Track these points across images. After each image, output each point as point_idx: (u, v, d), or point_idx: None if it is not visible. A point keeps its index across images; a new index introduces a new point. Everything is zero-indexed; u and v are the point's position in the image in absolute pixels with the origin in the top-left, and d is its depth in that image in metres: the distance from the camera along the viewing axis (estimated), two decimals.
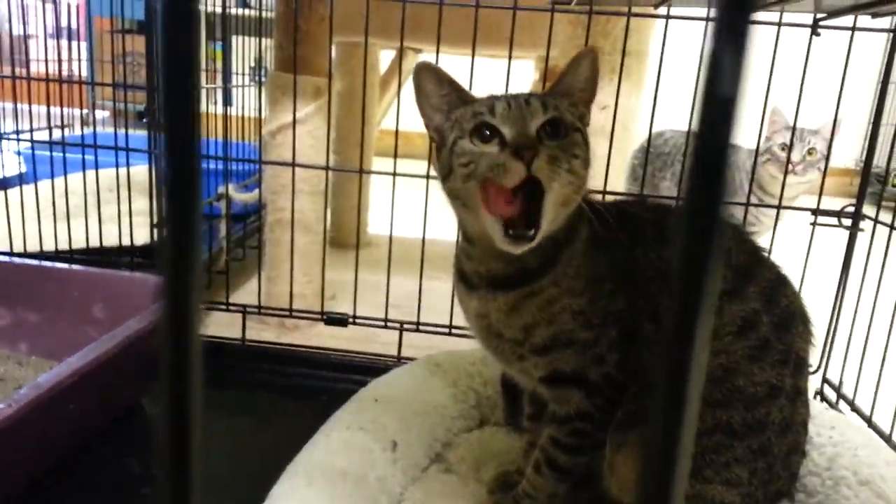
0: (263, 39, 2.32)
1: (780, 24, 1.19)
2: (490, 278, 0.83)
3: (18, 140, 1.74)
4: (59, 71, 1.85)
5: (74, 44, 2.35)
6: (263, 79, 2.12)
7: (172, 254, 0.21)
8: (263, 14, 2.14)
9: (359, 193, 1.59)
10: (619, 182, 1.43)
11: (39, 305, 1.32)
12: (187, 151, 0.21)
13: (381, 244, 1.95)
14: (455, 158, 0.77)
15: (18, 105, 1.71)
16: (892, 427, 1.08)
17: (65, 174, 1.73)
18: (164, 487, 0.23)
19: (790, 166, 1.67)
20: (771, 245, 1.16)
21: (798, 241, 1.27)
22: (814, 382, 1.27)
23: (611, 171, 1.28)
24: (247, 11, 2.49)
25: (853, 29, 1.15)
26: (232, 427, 1.19)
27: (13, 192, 1.84)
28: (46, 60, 2.06)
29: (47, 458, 1.02)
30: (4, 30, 2.14)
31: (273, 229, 1.50)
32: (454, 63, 1.36)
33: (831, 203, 1.30)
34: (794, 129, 1.37)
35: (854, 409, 1.20)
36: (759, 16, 1.19)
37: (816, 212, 1.26)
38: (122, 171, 1.68)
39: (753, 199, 1.83)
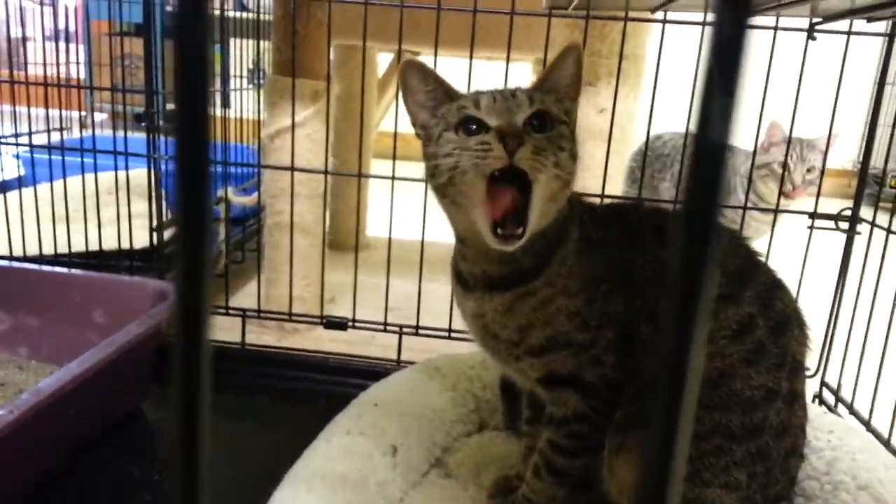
0: (261, 42, 2.32)
1: (776, 28, 1.20)
2: (485, 279, 0.84)
3: (17, 144, 1.74)
4: (58, 74, 1.85)
5: (72, 46, 2.35)
6: (261, 81, 2.12)
7: (184, 258, 0.22)
8: (261, 17, 2.15)
9: (357, 196, 1.60)
10: (618, 185, 1.43)
11: (39, 310, 1.33)
12: (198, 159, 0.22)
13: (379, 246, 1.96)
14: (440, 150, 0.76)
15: (17, 108, 1.71)
16: (891, 431, 1.08)
17: (64, 178, 1.73)
18: (174, 485, 0.23)
19: (791, 188, 1.69)
20: (768, 249, 1.17)
21: (796, 245, 1.27)
22: (812, 386, 1.27)
23: (609, 173, 1.28)
24: (245, 14, 2.49)
25: (849, 33, 1.16)
26: (232, 431, 1.19)
27: (12, 196, 1.84)
28: (45, 63, 2.07)
29: (48, 464, 1.02)
30: (2, 33, 2.14)
31: (272, 232, 1.51)
32: (452, 65, 1.37)
33: (829, 204, 1.30)
34: (790, 139, 1.38)
35: (852, 412, 1.20)
36: (756, 20, 1.20)
37: (814, 215, 1.26)
38: (122, 174, 1.68)
39: (749, 205, 1.84)
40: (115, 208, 1.58)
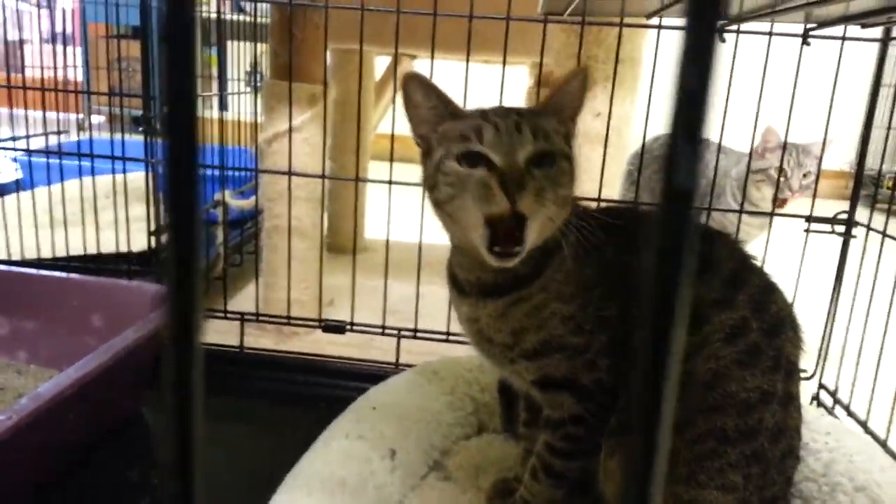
0: (259, 44, 2.32)
1: (770, 34, 1.20)
2: (480, 285, 0.85)
3: (15, 149, 1.74)
4: (55, 77, 1.85)
5: (70, 49, 2.35)
6: (259, 83, 2.13)
7: (175, 263, 0.22)
8: (258, 19, 2.15)
9: (355, 200, 1.60)
10: (615, 188, 1.43)
11: (38, 314, 1.33)
12: (188, 163, 0.22)
13: (378, 249, 1.96)
14: (441, 177, 0.78)
15: (14, 111, 1.71)
16: (888, 432, 1.09)
17: (62, 181, 1.73)
18: (168, 490, 0.24)
19: (789, 194, 1.70)
20: (765, 252, 1.18)
21: (791, 247, 1.28)
22: (810, 388, 1.28)
23: (605, 177, 1.29)
24: (242, 17, 2.50)
25: (843, 38, 1.17)
26: (230, 435, 1.20)
27: (10, 200, 1.85)
28: (42, 67, 2.07)
29: (47, 469, 1.03)
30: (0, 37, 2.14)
31: (270, 236, 1.51)
32: (449, 69, 1.38)
33: (826, 206, 1.31)
34: (785, 144, 1.38)
35: (850, 413, 1.21)
36: (751, 26, 1.20)
37: (810, 219, 1.27)
38: (119, 177, 1.69)
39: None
40: (113, 212, 1.58)
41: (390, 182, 1.33)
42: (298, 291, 1.49)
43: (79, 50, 2.98)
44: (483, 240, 0.75)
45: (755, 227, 1.73)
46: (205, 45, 3.76)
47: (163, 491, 1.03)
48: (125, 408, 1.22)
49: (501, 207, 0.72)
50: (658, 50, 1.22)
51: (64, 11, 2.69)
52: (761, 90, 1.20)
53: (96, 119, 3.32)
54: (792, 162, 1.69)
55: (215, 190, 1.73)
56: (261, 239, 1.54)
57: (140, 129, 1.57)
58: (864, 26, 1.10)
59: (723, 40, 1.20)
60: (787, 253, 1.28)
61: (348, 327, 1.43)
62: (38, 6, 2.42)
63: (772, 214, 1.32)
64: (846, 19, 1.05)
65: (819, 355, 1.29)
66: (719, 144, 1.85)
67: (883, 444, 1.08)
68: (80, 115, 2.62)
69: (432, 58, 1.28)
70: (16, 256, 1.59)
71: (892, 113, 1.17)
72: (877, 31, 1.20)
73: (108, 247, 1.66)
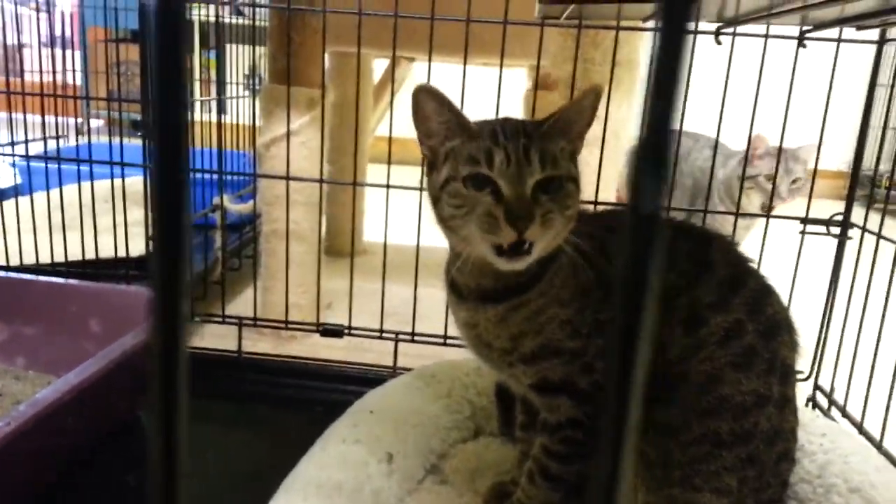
0: (257, 48, 2.33)
1: (766, 36, 1.21)
2: (478, 291, 0.85)
3: (14, 154, 1.74)
4: (54, 81, 1.85)
5: (69, 53, 2.36)
6: (258, 87, 2.13)
7: (162, 268, 0.23)
8: (257, 23, 2.16)
9: (353, 203, 1.60)
10: (612, 190, 1.44)
11: (36, 320, 1.33)
12: (176, 167, 0.23)
13: (376, 252, 1.96)
14: (447, 197, 0.78)
15: (13, 115, 1.71)
16: (883, 433, 1.09)
17: (60, 186, 1.74)
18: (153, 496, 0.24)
19: (779, 201, 1.71)
20: (760, 254, 1.18)
21: (787, 249, 1.28)
22: (805, 389, 1.28)
23: (602, 179, 1.29)
24: (241, 20, 2.50)
25: (839, 40, 1.17)
26: (228, 439, 1.20)
27: (9, 205, 1.85)
28: (41, 71, 2.07)
29: (45, 474, 1.03)
30: None
31: (268, 240, 1.51)
32: (447, 71, 1.38)
33: (823, 206, 1.31)
34: (780, 149, 1.39)
35: (845, 415, 1.21)
36: (747, 28, 1.21)
37: (805, 220, 1.27)
38: (118, 182, 1.69)
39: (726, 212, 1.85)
40: (111, 216, 1.59)
41: (388, 186, 1.33)
42: (296, 295, 1.49)
43: (78, 54, 2.98)
44: (489, 252, 0.76)
45: (743, 228, 1.74)
46: (203, 48, 3.77)
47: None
48: (123, 412, 1.22)
49: (507, 239, 0.74)
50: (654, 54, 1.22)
51: (63, 15, 2.69)
52: (757, 91, 1.20)
53: (95, 123, 3.32)
54: (781, 169, 1.70)
55: (213, 194, 1.73)
56: (259, 243, 1.54)
57: (139, 133, 1.57)
58: (859, 28, 1.11)
59: (718, 42, 1.21)
60: (783, 254, 1.28)
61: (346, 331, 1.43)
62: (38, 10, 2.42)
63: (767, 216, 1.32)
64: (842, 21, 1.05)
65: (815, 357, 1.29)
66: (716, 143, 1.85)
67: (878, 445, 1.08)
68: (79, 120, 2.63)
69: (430, 60, 1.28)
70: (14, 262, 1.60)
71: (886, 113, 1.18)
72: (872, 33, 1.20)
73: (106, 252, 1.66)
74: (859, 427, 1.15)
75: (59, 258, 1.63)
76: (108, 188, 1.73)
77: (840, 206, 1.31)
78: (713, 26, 1.21)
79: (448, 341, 1.37)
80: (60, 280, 1.37)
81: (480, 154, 0.77)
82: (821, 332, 1.29)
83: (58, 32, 2.27)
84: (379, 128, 2.36)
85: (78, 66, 2.68)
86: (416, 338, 1.41)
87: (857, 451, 0.96)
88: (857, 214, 1.29)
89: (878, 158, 1.49)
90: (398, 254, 1.40)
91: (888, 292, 1.10)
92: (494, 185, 0.75)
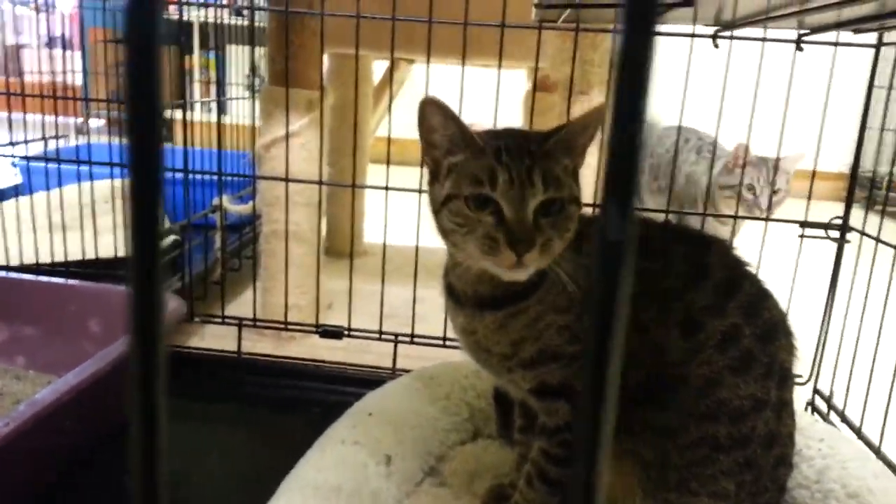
0: (257, 48, 2.33)
1: (764, 40, 1.21)
2: (476, 298, 0.85)
3: (13, 156, 1.75)
4: (54, 82, 1.86)
5: (69, 53, 2.36)
6: (258, 87, 2.13)
7: (137, 268, 0.23)
8: (256, 24, 2.16)
9: (352, 205, 1.61)
10: None
11: (36, 320, 1.33)
12: (151, 165, 0.23)
13: (376, 253, 1.96)
14: (449, 214, 0.78)
15: (13, 114, 1.71)
16: (881, 439, 1.09)
17: (60, 186, 1.74)
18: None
19: (758, 211, 1.70)
20: (759, 258, 1.18)
21: (786, 252, 1.28)
22: (804, 394, 1.28)
23: (602, 182, 1.29)
24: (240, 20, 2.50)
25: (836, 44, 1.17)
26: (227, 440, 1.20)
27: (9, 204, 1.85)
28: (41, 72, 2.07)
29: (44, 475, 1.03)
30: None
31: (268, 241, 1.51)
32: (446, 72, 1.38)
33: (822, 208, 1.31)
34: (778, 158, 1.39)
35: (844, 420, 1.21)
36: (745, 31, 1.21)
37: (804, 224, 1.28)
38: (118, 182, 1.69)
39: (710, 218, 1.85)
40: (111, 216, 1.59)
41: (386, 188, 1.34)
42: (296, 296, 1.49)
43: (78, 55, 2.99)
44: (490, 264, 0.77)
45: (723, 230, 1.72)
46: (203, 49, 3.77)
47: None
48: (121, 413, 1.22)
49: (507, 262, 0.74)
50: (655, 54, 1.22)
51: (63, 16, 2.69)
52: (755, 94, 1.20)
53: (95, 123, 3.33)
54: (762, 180, 1.68)
55: (213, 195, 1.73)
56: (259, 244, 1.54)
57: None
58: (856, 32, 1.11)
59: (716, 45, 1.21)
60: (782, 257, 1.28)
61: (345, 333, 1.43)
62: (37, 10, 2.42)
63: (766, 220, 1.32)
64: (839, 25, 1.06)
65: (814, 361, 1.29)
66: (714, 146, 1.85)
67: (876, 450, 1.08)
68: (80, 119, 2.63)
69: (428, 62, 1.28)
70: (14, 262, 1.60)
71: (884, 115, 1.18)
72: (870, 37, 1.20)
73: (106, 252, 1.66)
74: (858, 432, 1.16)
75: (60, 258, 1.63)
76: (109, 188, 1.74)
77: (839, 208, 1.31)
78: (711, 29, 1.21)
79: (447, 343, 1.37)
80: (60, 280, 1.37)
81: (484, 174, 0.76)
82: (820, 335, 1.29)
83: (57, 33, 2.27)
84: (378, 129, 2.36)
85: (78, 67, 2.68)
86: (415, 339, 1.41)
87: (856, 457, 0.96)
88: (857, 216, 1.29)
89: (877, 160, 1.49)
90: (398, 255, 1.40)
91: (887, 296, 1.10)
92: (496, 206, 0.76)
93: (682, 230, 0.95)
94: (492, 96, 1.25)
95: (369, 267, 1.53)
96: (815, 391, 1.30)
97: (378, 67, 2.31)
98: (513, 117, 1.83)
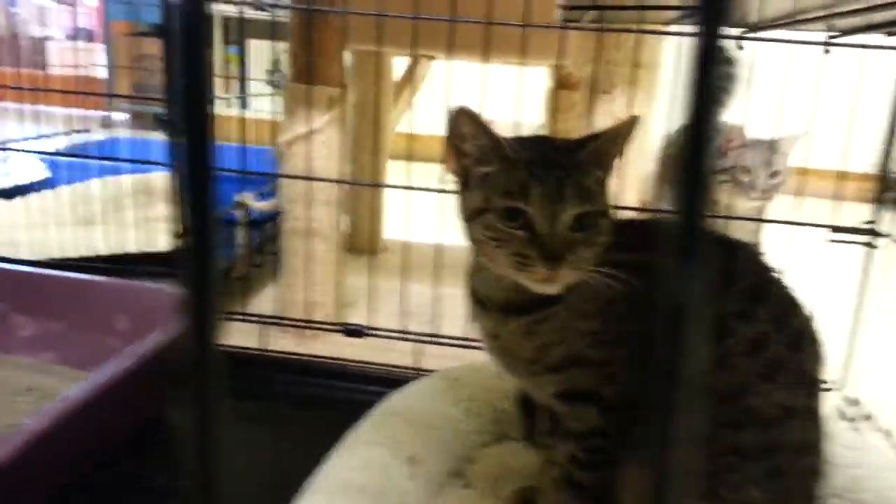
0: (279, 43, 2.33)
1: (790, 42, 1.19)
2: (502, 303, 0.85)
3: (41, 152, 1.77)
4: (79, 76, 1.87)
5: (93, 46, 2.38)
6: (279, 82, 2.14)
7: (193, 265, 0.23)
8: (278, 18, 2.16)
9: (373, 203, 1.61)
10: (633, 194, 1.43)
11: (64, 316, 1.35)
12: (203, 166, 0.23)
13: (397, 250, 1.97)
14: (480, 227, 0.78)
15: (39, 107, 1.73)
16: None
17: (86, 179, 1.76)
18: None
19: (755, 196, 1.60)
20: (786, 263, 1.17)
21: (814, 256, 1.27)
22: (834, 400, 1.27)
23: (624, 182, 1.29)
24: (263, 15, 2.50)
25: (865, 46, 1.15)
26: (250, 438, 1.21)
27: (36, 198, 1.87)
28: (65, 65, 2.10)
29: (74, 472, 1.05)
30: (25, 33, 2.17)
31: (290, 237, 1.52)
32: (467, 69, 1.38)
33: (851, 209, 1.29)
34: (775, 139, 1.36)
35: (874, 426, 1.20)
36: (772, 34, 1.20)
37: (832, 228, 1.26)
38: (143, 177, 1.71)
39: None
40: (136, 210, 1.61)
41: (409, 188, 1.34)
42: (317, 294, 1.50)
43: (101, 47, 3.00)
44: (521, 279, 0.77)
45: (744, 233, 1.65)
46: (226, 44, 3.77)
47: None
48: (149, 409, 1.24)
49: (539, 277, 0.74)
50: (678, 56, 1.22)
51: (87, 9, 2.71)
52: (782, 96, 1.19)
53: (119, 116, 3.35)
54: (759, 161, 1.58)
55: (236, 191, 1.74)
56: (280, 240, 1.55)
57: (162, 130, 1.59)
58: (889, 34, 1.09)
59: (741, 48, 1.20)
60: (810, 261, 1.27)
61: (367, 331, 1.44)
62: (62, 3, 2.45)
63: (792, 223, 1.30)
64: (869, 28, 1.04)
65: (843, 367, 1.28)
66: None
67: None
68: (103, 113, 2.66)
69: (450, 60, 1.28)
70: (42, 256, 1.62)
71: None
72: None
73: (131, 246, 1.68)
74: (889, 438, 1.14)
75: (85, 253, 1.65)
76: (134, 183, 1.76)
77: (865, 209, 1.30)
78: (736, 31, 1.20)
79: (470, 343, 1.38)
80: (87, 276, 1.38)
81: (516, 186, 0.76)
82: (850, 341, 1.28)
83: (81, 25, 2.29)
84: (399, 125, 2.36)
85: (102, 60, 2.70)
86: (438, 339, 1.41)
87: (889, 466, 0.95)
88: (884, 218, 1.27)
89: None
90: (418, 252, 1.40)
91: None
92: (528, 220, 0.75)
93: (708, 234, 0.94)
94: (512, 93, 1.25)
95: (389, 264, 1.54)
96: (845, 398, 1.29)
97: (398, 64, 2.31)
98: (534, 115, 1.83)
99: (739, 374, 0.80)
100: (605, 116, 1.35)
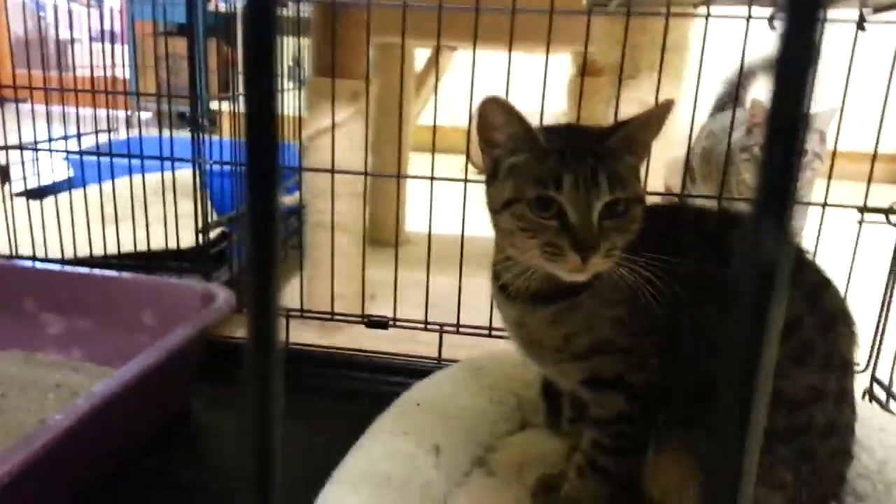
0: (301, 39, 2.33)
1: (824, 20, 1.16)
2: (529, 293, 0.84)
3: (65, 151, 1.78)
4: (104, 76, 1.89)
5: (117, 47, 2.40)
6: (302, 78, 2.14)
7: (256, 264, 0.23)
8: (300, 14, 2.16)
9: (397, 193, 1.60)
10: (660, 178, 1.41)
11: (91, 313, 1.36)
12: (270, 162, 0.23)
13: (420, 242, 1.96)
14: (510, 218, 0.78)
15: (65, 108, 1.75)
16: None
17: (112, 178, 1.78)
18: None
19: None
20: (816, 244, 1.15)
21: (844, 237, 1.24)
22: (863, 382, 1.25)
23: (651, 167, 1.27)
24: (285, 11, 2.51)
25: None
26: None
27: (63, 198, 1.90)
28: (91, 66, 2.11)
29: (102, 468, 1.05)
30: (51, 35, 2.20)
31: (313, 231, 1.52)
32: (490, 58, 1.36)
33: (881, 191, 1.26)
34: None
35: None
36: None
37: (863, 209, 1.24)
38: (168, 175, 1.72)
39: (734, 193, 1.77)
40: (161, 208, 1.62)
41: (431, 178, 1.33)
42: (341, 286, 1.50)
43: (126, 48, 3.04)
44: (552, 268, 0.76)
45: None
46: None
47: (215, 487, 1.05)
48: (175, 404, 1.25)
49: (571, 267, 0.74)
50: (706, 39, 1.20)
51: (112, 10, 2.74)
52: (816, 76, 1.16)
53: (144, 115, 3.39)
54: None
55: None
56: (304, 234, 1.55)
57: (188, 128, 1.59)
58: None
59: (772, 27, 1.17)
60: (840, 243, 1.24)
61: (391, 322, 1.44)
62: (88, 5, 2.47)
63: (824, 205, 1.27)
64: None
65: (872, 348, 1.25)
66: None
67: None
68: (129, 112, 2.68)
69: (474, 50, 1.27)
70: (69, 254, 1.64)
71: None
72: None
73: (157, 243, 1.69)
74: None
75: (112, 251, 1.67)
76: (159, 180, 1.77)
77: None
78: (767, 11, 1.17)
79: (493, 333, 1.37)
80: (114, 273, 1.40)
81: (548, 177, 0.75)
82: (879, 321, 1.25)
83: (107, 27, 2.31)
84: (421, 117, 2.35)
85: (127, 61, 2.73)
86: (461, 329, 1.41)
87: None
88: None
89: None
90: (441, 243, 1.39)
91: None
92: (560, 208, 0.75)
93: (738, 218, 0.92)
94: (534, 81, 1.24)
95: (412, 256, 1.53)
96: (874, 379, 1.26)
97: (419, 55, 2.30)
98: (556, 103, 1.81)
99: None
100: (631, 102, 1.33)
